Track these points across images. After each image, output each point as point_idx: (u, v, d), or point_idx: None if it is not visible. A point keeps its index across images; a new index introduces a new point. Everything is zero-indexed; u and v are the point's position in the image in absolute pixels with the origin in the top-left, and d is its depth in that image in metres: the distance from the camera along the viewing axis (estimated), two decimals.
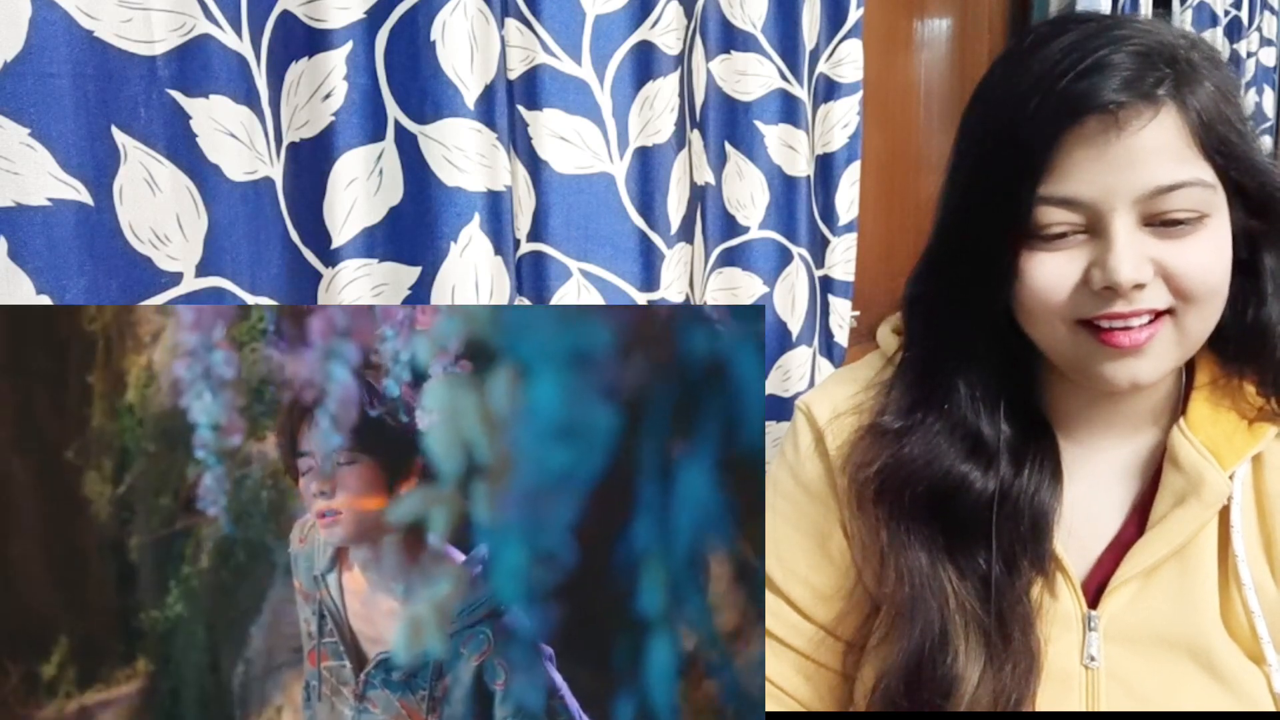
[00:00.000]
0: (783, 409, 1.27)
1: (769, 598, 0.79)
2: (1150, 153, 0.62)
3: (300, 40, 0.82)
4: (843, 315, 1.36)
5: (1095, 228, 0.64)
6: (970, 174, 0.69)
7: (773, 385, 1.27)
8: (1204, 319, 0.67)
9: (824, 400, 0.81)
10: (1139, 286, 0.64)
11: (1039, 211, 0.64)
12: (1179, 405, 0.73)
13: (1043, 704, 0.69)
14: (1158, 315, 0.65)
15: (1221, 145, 0.65)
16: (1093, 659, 0.69)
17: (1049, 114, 0.63)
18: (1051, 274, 0.66)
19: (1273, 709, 0.68)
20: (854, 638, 0.78)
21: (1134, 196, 0.63)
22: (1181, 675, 0.68)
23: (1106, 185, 0.63)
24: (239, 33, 0.79)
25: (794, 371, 1.28)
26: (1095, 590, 0.71)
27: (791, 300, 1.27)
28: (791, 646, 0.79)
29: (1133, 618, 0.70)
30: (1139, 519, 0.72)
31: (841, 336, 1.37)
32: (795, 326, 1.27)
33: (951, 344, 0.72)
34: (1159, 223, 0.64)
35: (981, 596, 0.70)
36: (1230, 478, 0.69)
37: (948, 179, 0.72)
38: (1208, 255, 0.65)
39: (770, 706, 0.78)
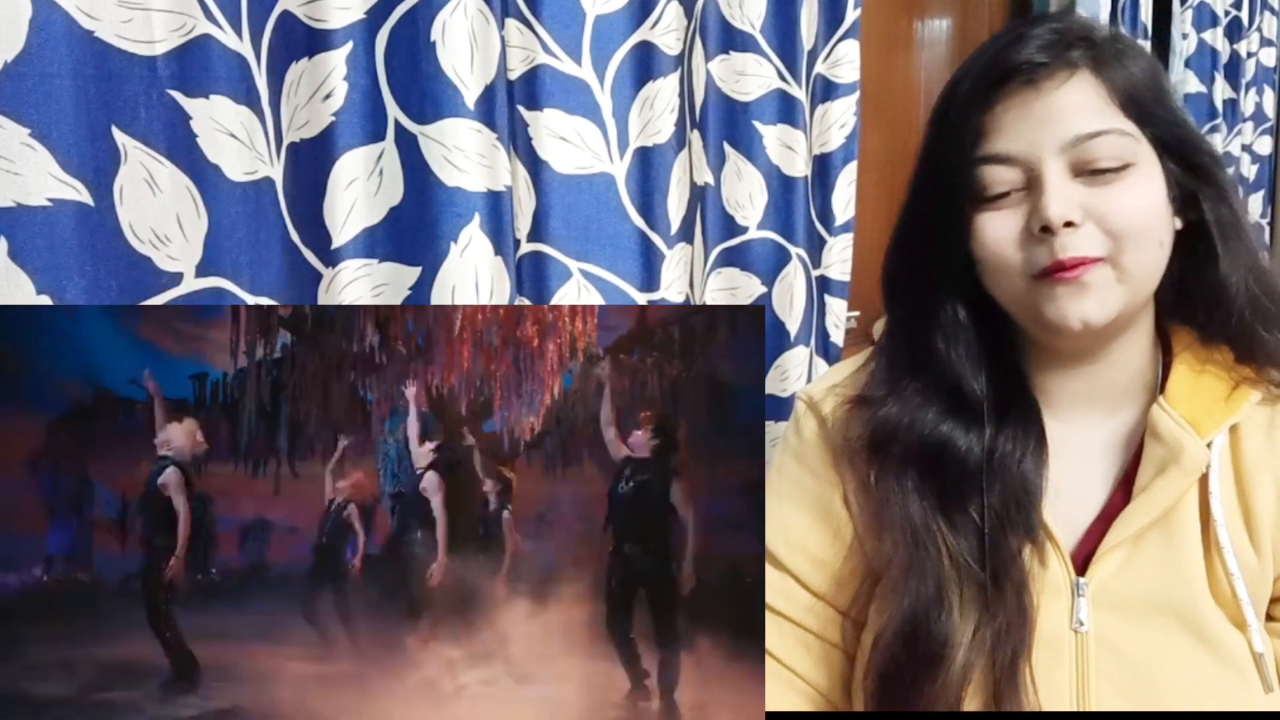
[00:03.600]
0: (781, 408, 1.27)
1: (775, 575, 0.81)
2: (1069, 107, 0.69)
3: (300, 40, 0.82)
4: (839, 315, 1.37)
5: (1031, 183, 0.70)
6: (923, 156, 0.76)
7: (771, 385, 1.27)
8: (1139, 260, 0.70)
9: (820, 385, 0.85)
10: (1070, 224, 0.68)
11: (979, 172, 0.71)
12: (1158, 382, 0.76)
13: (1035, 669, 0.71)
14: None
15: (1143, 109, 0.70)
16: (1082, 624, 0.72)
17: (978, 84, 0.71)
18: (999, 229, 0.71)
19: (1254, 669, 0.71)
20: (858, 614, 0.80)
21: (1058, 145, 0.69)
22: (1168, 638, 0.71)
23: (1032, 139, 0.69)
24: (239, 33, 0.79)
25: (791, 371, 1.28)
26: (1083, 560, 0.73)
27: (789, 300, 1.27)
28: (797, 622, 0.81)
29: (1120, 584, 0.72)
30: (1125, 491, 0.74)
31: (838, 336, 1.37)
32: (793, 326, 1.28)
33: (924, 313, 0.77)
34: (1087, 171, 0.69)
35: (975, 553, 0.73)
36: (1208, 446, 0.72)
37: (912, 171, 0.78)
38: (1134, 199, 0.70)
39: (773, 684, 0.79)
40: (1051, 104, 0.69)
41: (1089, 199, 0.68)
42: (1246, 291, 0.73)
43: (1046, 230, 0.68)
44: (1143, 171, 0.70)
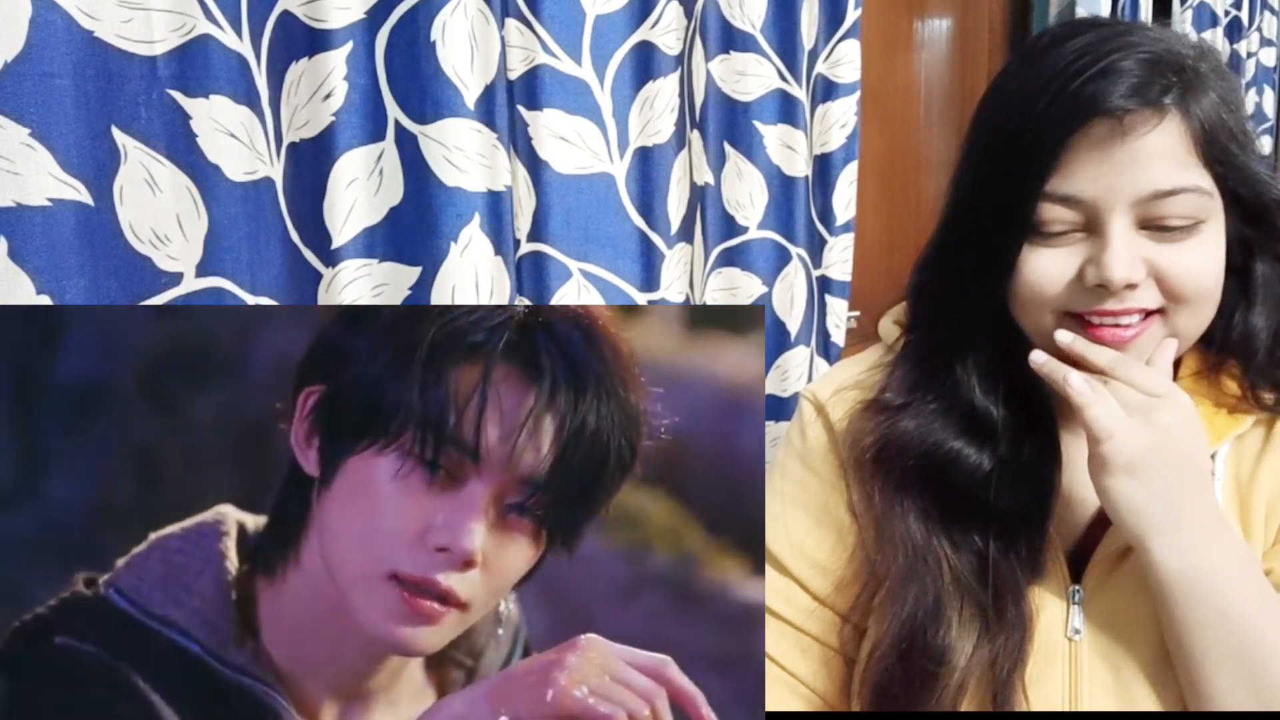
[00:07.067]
0: (781, 409, 1.27)
1: (776, 577, 0.80)
2: (1152, 157, 0.64)
3: (300, 40, 0.82)
4: (840, 315, 1.37)
5: (1093, 226, 0.66)
6: (979, 168, 0.71)
7: (771, 385, 1.27)
8: (1194, 321, 0.68)
9: (826, 382, 0.84)
10: (1130, 286, 0.65)
11: (1041, 208, 0.66)
12: None
13: (1028, 677, 0.70)
14: (1148, 314, 0.67)
15: (1222, 154, 0.66)
16: (1077, 632, 0.71)
17: (1058, 115, 0.65)
18: (1047, 268, 0.68)
19: None
20: (859, 620, 0.79)
21: (1133, 198, 0.65)
22: (1163, 649, 0.69)
23: (1108, 186, 0.65)
24: (239, 33, 0.79)
25: (792, 371, 1.28)
26: (1080, 565, 0.72)
27: (790, 300, 1.27)
28: (797, 626, 0.80)
29: (1116, 592, 0.71)
30: None
31: (839, 337, 1.37)
32: (793, 326, 1.28)
33: (953, 330, 0.74)
34: (1155, 226, 0.66)
35: (977, 570, 0.72)
36: (1212, 457, 0.70)
37: (958, 170, 0.74)
38: (1200, 260, 0.66)
39: (772, 687, 0.79)
40: (1135, 151, 0.64)
41: (1152, 254, 0.65)
42: (1271, 337, 0.72)
43: (1103, 288, 0.65)
44: (1211, 228, 0.67)
